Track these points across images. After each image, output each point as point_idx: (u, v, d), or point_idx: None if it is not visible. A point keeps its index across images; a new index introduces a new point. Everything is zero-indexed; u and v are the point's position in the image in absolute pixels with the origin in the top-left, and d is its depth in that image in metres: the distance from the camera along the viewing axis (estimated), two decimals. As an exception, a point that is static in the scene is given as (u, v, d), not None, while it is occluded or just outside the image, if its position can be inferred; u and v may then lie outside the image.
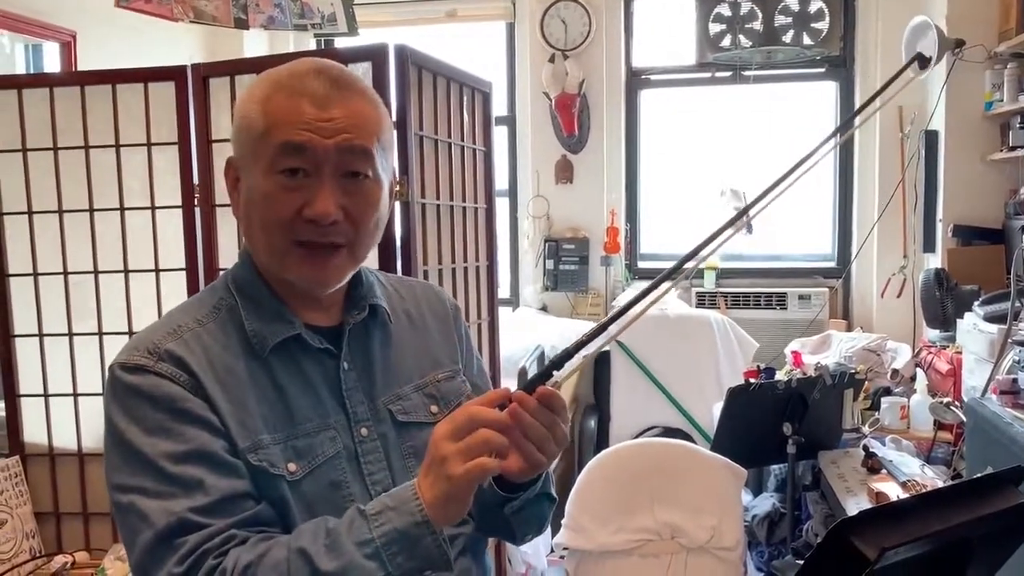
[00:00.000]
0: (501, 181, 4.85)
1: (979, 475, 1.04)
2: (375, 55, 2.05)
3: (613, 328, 1.01)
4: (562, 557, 2.93)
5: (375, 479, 1.06)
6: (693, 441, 3.67)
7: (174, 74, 2.27)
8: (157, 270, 2.34)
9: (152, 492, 0.93)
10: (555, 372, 0.98)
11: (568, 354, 0.99)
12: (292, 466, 1.01)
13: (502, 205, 4.88)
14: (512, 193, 5.07)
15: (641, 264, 5.04)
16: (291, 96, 1.01)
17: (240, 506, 0.96)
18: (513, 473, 0.99)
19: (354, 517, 0.92)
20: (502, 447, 0.91)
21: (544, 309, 4.87)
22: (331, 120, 1.00)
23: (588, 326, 3.72)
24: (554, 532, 2.77)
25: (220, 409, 0.98)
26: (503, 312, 2.97)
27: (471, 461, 0.89)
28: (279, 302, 1.07)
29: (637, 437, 4.08)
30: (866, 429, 3.20)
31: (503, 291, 4.75)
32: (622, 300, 4.62)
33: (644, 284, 4.89)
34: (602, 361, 4.46)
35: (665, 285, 1.04)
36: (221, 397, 0.99)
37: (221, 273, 1.21)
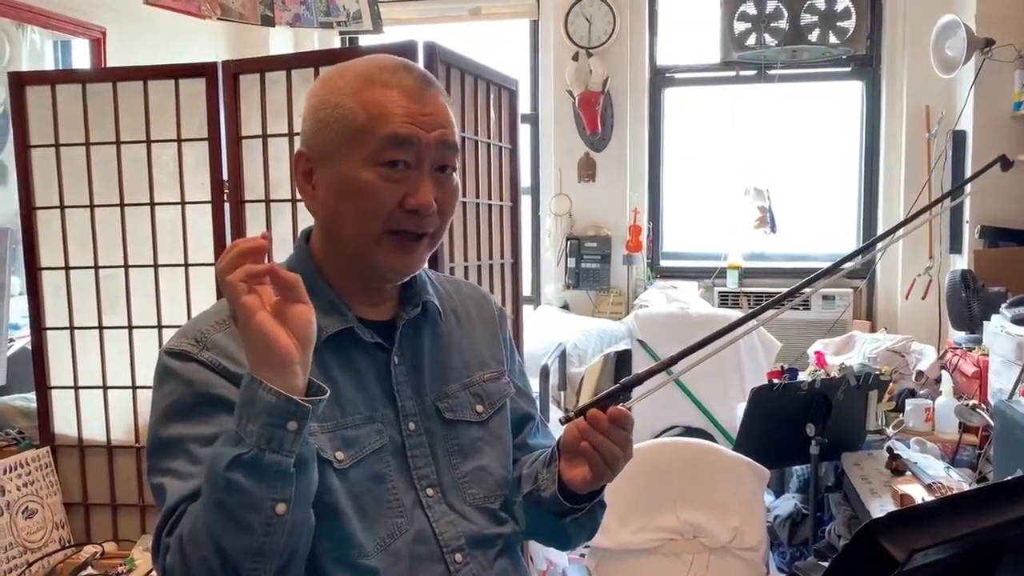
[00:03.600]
0: (524, 178, 4.86)
1: (1009, 478, 1.04)
2: (404, 52, 2.04)
3: (681, 365, 1.04)
4: (583, 555, 2.93)
5: (421, 473, 1.08)
6: (714, 441, 3.66)
7: (205, 70, 2.29)
8: (186, 264, 2.37)
9: (177, 473, 0.95)
10: (631, 393, 1.03)
11: (639, 379, 1.02)
12: (340, 455, 1.02)
13: (525, 203, 4.88)
14: (535, 191, 5.08)
15: (663, 263, 5.04)
16: (386, 89, 1.03)
17: None
18: (576, 483, 1.06)
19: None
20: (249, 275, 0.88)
21: (565, 307, 4.87)
22: (430, 115, 1.04)
23: (610, 324, 3.69)
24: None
25: None
26: (524, 310, 2.97)
27: (242, 291, 0.86)
28: (335, 295, 1.09)
29: (658, 436, 4.08)
30: (890, 431, 3.17)
31: (525, 289, 4.77)
32: (644, 299, 4.61)
33: (666, 283, 4.85)
34: (623, 360, 4.46)
35: (752, 323, 1.07)
36: None
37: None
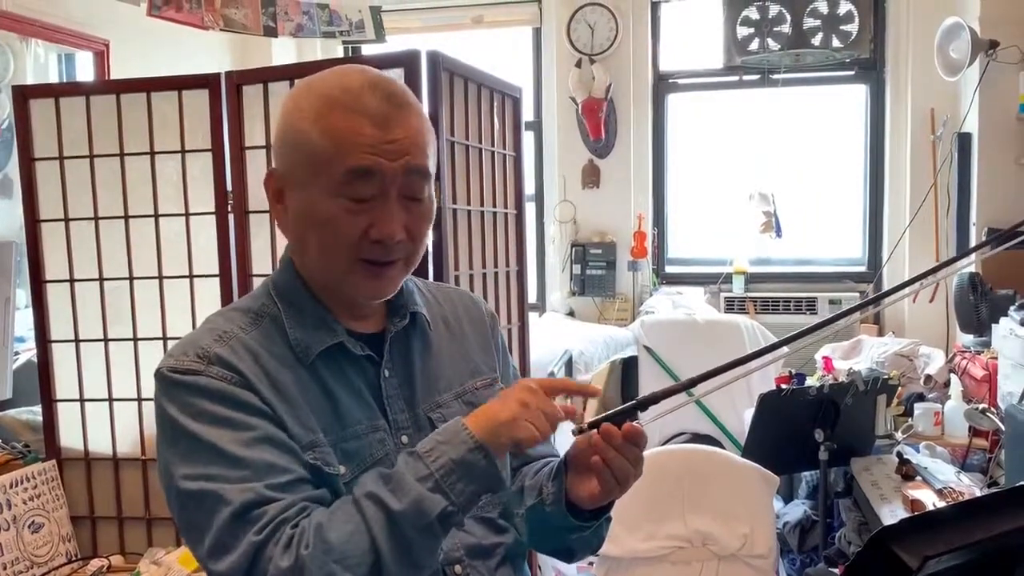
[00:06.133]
0: (528, 186, 4.87)
1: (1023, 483, 1.02)
2: (408, 61, 2.06)
3: (702, 387, 1.02)
4: (591, 563, 2.92)
5: None
6: (722, 447, 3.65)
7: (208, 82, 2.29)
8: (191, 276, 2.36)
9: (224, 477, 0.94)
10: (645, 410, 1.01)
11: (655, 398, 1.01)
12: (342, 468, 1.02)
13: (529, 210, 4.89)
14: (539, 198, 5.08)
15: (668, 269, 5.03)
16: (349, 115, 0.99)
17: (308, 487, 0.98)
18: (583, 498, 1.05)
19: (407, 459, 0.95)
20: (548, 434, 0.97)
21: (571, 314, 4.86)
22: (395, 142, 1.00)
23: (615, 331, 3.67)
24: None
25: (275, 408, 0.99)
26: (530, 317, 2.96)
27: (532, 425, 0.94)
28: (323, 309, 1.08)
29: (666, 443, 4.06)
30: (899, 435, 3.16)
31: (530, 296, 4.76)
32: (650, 305, 4.60)
33: (672, 289, 4.85)
34: (630, 366, 4.44)
35: (782, 350, 1.05)
36: (274, 398, 1.00)
37: (261, 280, 1.22)
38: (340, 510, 0.93)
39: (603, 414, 1.00)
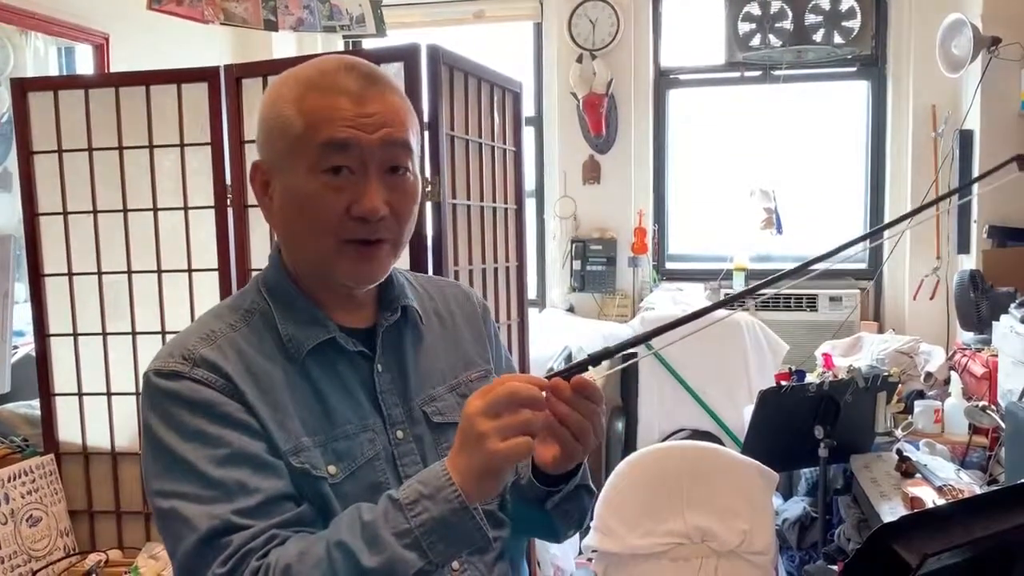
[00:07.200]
0: (528, 182, 4.86)
1: (1022, 480, 1.02)
2: (407, 55, 2.05)
3: (656, 341, 1.00)
4: (590, 560, 2.92)
5: None
6: (722, 444, 3.64)
7: (208, 75, 2.29)
8: (190, 270, 2.36)
9: (194, 497, 0.93)
10: (591, 367, 0.96)
11: (608, 353, 0.98)
12: (332, 468, 1.01)
13: (529, 206, 4.88)
14: (539, 194, 5.06)
15: (669, 265, 5.01)
16: (326, 94, 1.00)
17: (282, 507, 0.96)
18: (547, 462, 1.01)
19: (388, 507, 0.91)
20: (537, 429, 0.91)
21: (571, 310, 4.86)
22: (371, 115, 1.00)
23: (615, 327, 3.68)
24: (583, 534, 2.76)
25: (259, 413, 0.98)
26: (530, 313, 2.96)
27: (512, 440, 0.88)
28: (312, 305, 1.07)
29: (665, 440, 4.06)
30: (899, 432, 3.15)
31: (530, 292, 4.76)
32: (650, 301, 4.59)
33: (672, 286, 4.83)
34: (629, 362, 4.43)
35: (722, 311, 1.03)
36: (259, 401, 0.99)
37: (252, 276, 1.21)
38: (311, 553, 0.90)
39: (553, 371, 0.97)
